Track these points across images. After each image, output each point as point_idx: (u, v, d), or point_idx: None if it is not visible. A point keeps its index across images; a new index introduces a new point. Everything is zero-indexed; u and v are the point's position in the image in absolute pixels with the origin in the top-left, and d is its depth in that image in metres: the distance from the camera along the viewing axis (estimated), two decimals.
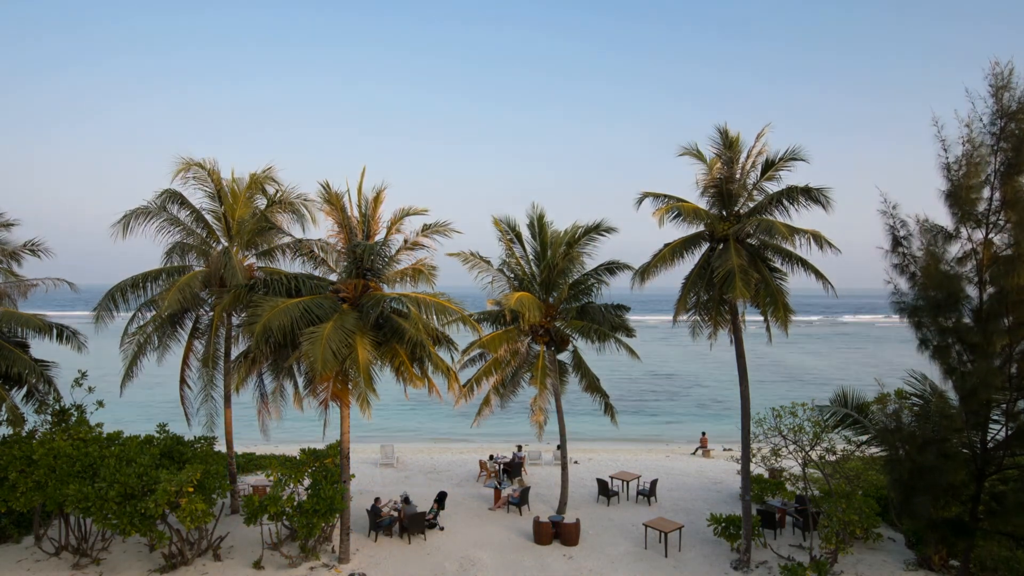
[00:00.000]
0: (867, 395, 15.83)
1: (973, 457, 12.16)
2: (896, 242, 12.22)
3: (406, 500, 20.02)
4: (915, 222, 12.13)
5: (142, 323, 20.35)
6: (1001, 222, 11.35)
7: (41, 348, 19.79)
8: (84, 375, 18.73)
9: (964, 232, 11.70)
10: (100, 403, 19.06)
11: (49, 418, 18.55)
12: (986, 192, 11.35)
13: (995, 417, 12.10)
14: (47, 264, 20.28)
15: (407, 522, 18.80)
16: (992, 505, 12.39)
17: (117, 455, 16.68)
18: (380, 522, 19.16)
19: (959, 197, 11.37)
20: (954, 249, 11.82)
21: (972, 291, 11.65)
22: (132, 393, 20.66)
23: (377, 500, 19.77)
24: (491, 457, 27.33)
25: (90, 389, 18.68)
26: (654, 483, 23.52)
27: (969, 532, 12.42)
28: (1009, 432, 11.83)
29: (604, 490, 23.21)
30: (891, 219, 12.27)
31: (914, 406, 13.36)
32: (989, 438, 12.13)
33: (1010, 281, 10.81)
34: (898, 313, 12.29)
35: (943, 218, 11.91)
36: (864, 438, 14.82)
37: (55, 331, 19.46)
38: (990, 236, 11.47)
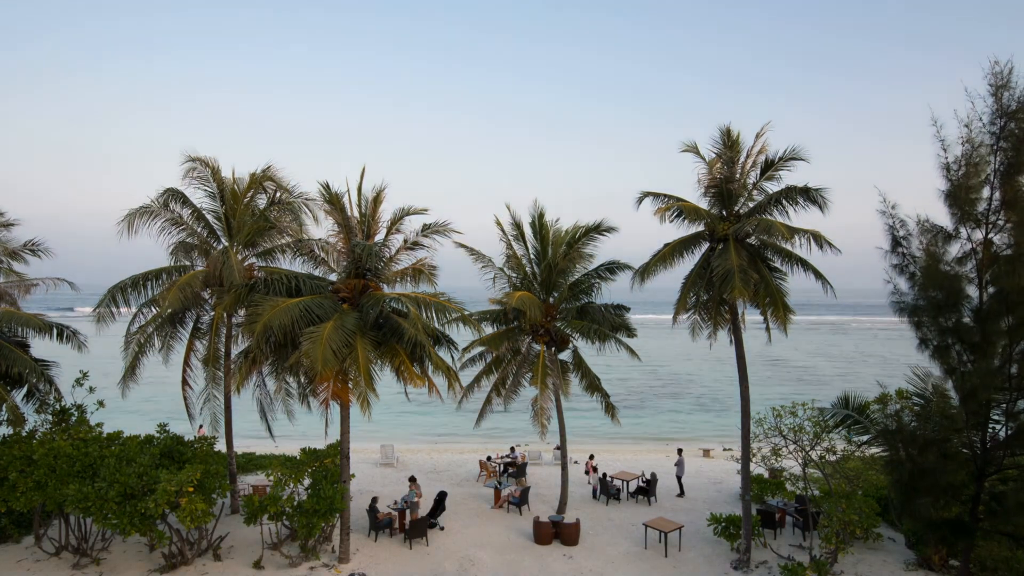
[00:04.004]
0: (867, 396, 15.82)
1: (973, 457, 12.15)
2: (896, 242, 12.20)
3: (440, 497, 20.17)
4: (915, 222, 12.12)
5: (143, 323, 20.37)
6: (1001, 222, 11.33)
7: (41, 348, 19.80)
8: (85, 375, 18.74)
9: (964, 232, 11.69)
10: (101, 403, 19.07)
11: (49, 418, 18.57)
12: (986, 192, 11.33)
13: (995, 417, 12.09)
14: (47, 263, 20.36)
15: (409, 528, 18.81)
16: (992, 505, 12.38)
17: (117, 455, 16.68)
18: (380, 522, 19.17)
19: (959, 197, 11.35)
20: (954, 249, 11.82)
21: (972, 291, 11.63)
22: (133, 392, 20.65)
23: (375, 500, 19.75)
24: (489, 458, 27.36)
25: (91, 389, 18.69)
26: (653, 476, 23.53)
27: (969, 532, 12.41)
28: (1009, 432, 11.82)
29: (605, 489, 23.22)
30: (890, 219, 12.25)
31: (915, 406, 13.36)
32: (989, 438, 12.12)
33: (1010, 281, 10.79)
34: (898, 313, 12.28)
35: (943, 218, 11.91)
36: (865, 438, 14.82)
37: (55, 331, 19.48)
38: (990, 236, 11.45)
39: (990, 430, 12.27)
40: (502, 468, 26.12)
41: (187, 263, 20.78)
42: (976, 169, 11.19)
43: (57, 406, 18.77)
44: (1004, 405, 11.75)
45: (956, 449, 12.05)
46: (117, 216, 19.69)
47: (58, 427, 18.25)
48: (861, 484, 19.15)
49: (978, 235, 11.58)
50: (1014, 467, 12.34)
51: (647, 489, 23.26)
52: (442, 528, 20.06)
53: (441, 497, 20.75)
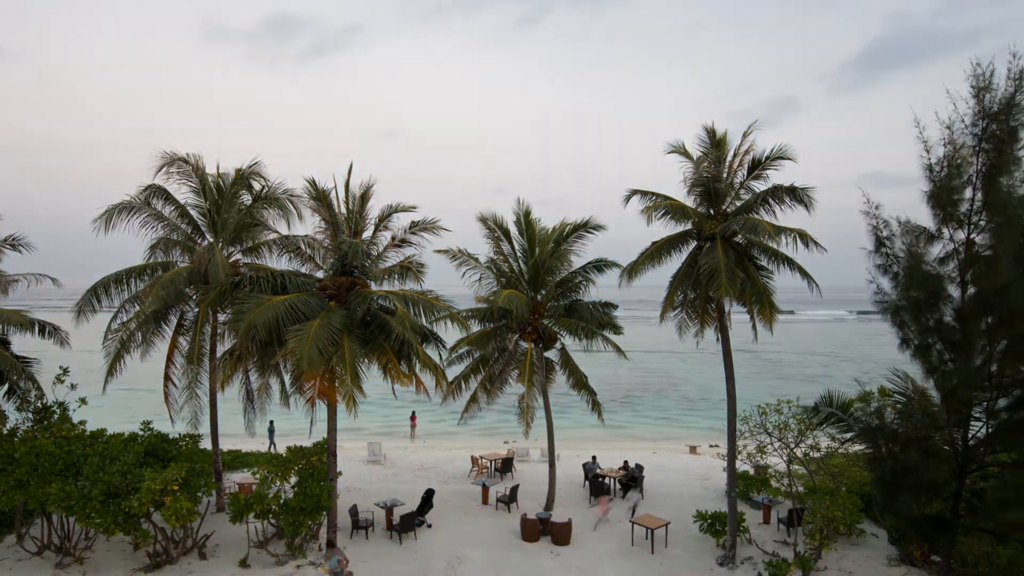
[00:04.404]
0: (851, 393, 15.94)
1: (955, 455, 12.29)
2: (879, 242, 12.29)
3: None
4: (897, 223, 12.21)
5: (125, 319, 20.13)
6: (983, 223, 11.44)
7: (23, 344, 19.54)
8: (66, 372, 18.52)
9: (946, 233, 11.79)
10: (83, 400, 18.87)
11: (31, 415, 18.35)
12: (968, 193, 11.43)
13: (976, 415, 12.22)
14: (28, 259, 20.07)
15: (400, 524, 18.83)
16: (973, 502, 12.54)
17: (100, 453, 16.52)
18: (358, 523, 19.10)
19: (941, 198, 11.45)
20: (936, 249, 11.92)
21: (954, 291, 11.75)
22: (116, 389, 20.46)
23: (355, 508, 19.66)
24: (481, 457, 27.35)
25: (72, 386, 18.48)
26: (637, 467, 23.61)
27: (950, 528, 12.55)
28: (990, 430, 11.96)
29: (594, 486, 23.32)
30: (874, 219, 12.34)
31: (897, 403, 13.49)
32: (970, 436, 12.26)
33: (988, 282, 10.91)
34: (881, 312, 12.37)
35: (926, 218, 12.01)
36: (848, 436, 14.96)
37: (37, 327, 19.25)
38: (972, 236, 11.56)
39: (971, 428, 12.40)
40: (493, 466, 26.15)
41: (168, 260, 20.51)
42: (958, 170, 11.28)
43: (39, 404, 18.55)
44: (985, 403, 11.88)
45: (937, 447, 12.18)
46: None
47: (40, 425, 18.04)
48: (845, 480, 19.35)
49: (960, 235, 11.68)
50: (994, 464, 12.51)
51: (631, 486, 23.36)
52: (429, 525, 20.05)
53: (429, 495, 20.73)
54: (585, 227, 21.05)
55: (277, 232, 20.54)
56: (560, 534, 18.90)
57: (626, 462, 25.44)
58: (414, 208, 18.65)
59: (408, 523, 18.81)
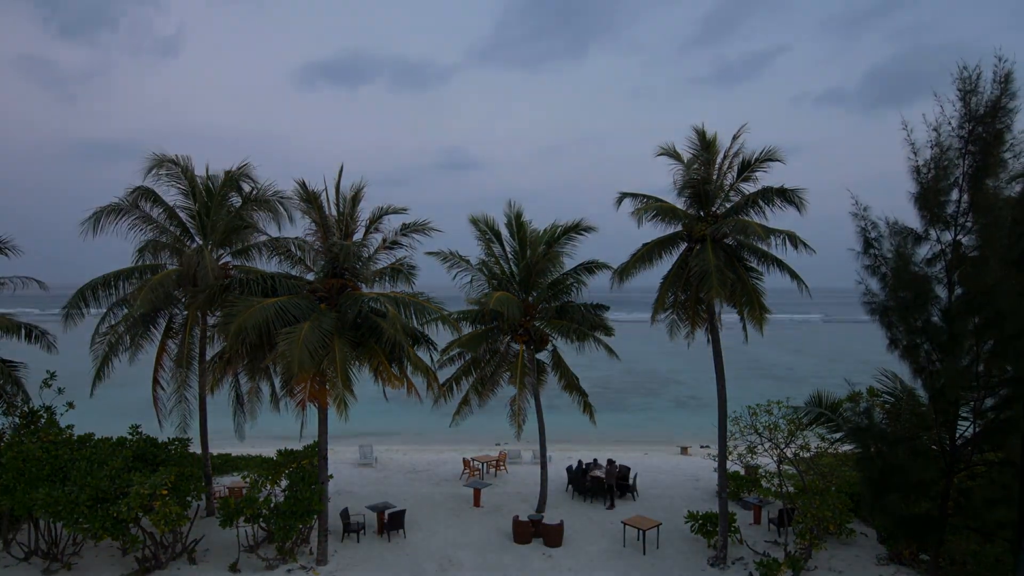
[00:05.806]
0: (840, 394, 16.06)
1: (942, 454, 12.40)
2: (867, 244, 12.38)
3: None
4: (885, 224, 12.31)
5: (114, 323, 19.92)
6: (969, 224, 11.55)
7: (8, 348, 19.32)
8: (53, 376, 18.32)
9: (933, 234, 11.89)
10: (70, 404, 18.68)
11: (17, 420, 18.15)
12: (954, 195, 11.54)
13: (963, 415, 12.34)
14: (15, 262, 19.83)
15: (388, 522, 18.75)
16: (960, 501, 12.67)
17: (88, 458, 16.37)
18: (349, 526, 19.00)
19: (928, 200, 11.55)
20: (924, 251, 12.01)
21: (941, 291, 11.85)
22: (104, 393, 20.24)
23: (346, 511, 19.54)
24: (472, 459, 27.30)
25: (60, 390, 18.29)
26: (629, 476, 23.66)
27: (938, 527, 12.66)
28: (977, 429, 12.08)
29: (580, 487, 23.32)
30: (862, 221, 12.43)
31: (885, 404, 13.60)
32: (958, 435, 12.37)
33: (975, 283, 11.02)
34: (869, 313, 12.47)
35: (913, 220, 12.12)
36: (837, 436, 15.08)
37: (23, 331, 19.05)
38: (958, 238, 11.67)
39: (958, 428, 12.52)
40: (484, 468, 26.11)
41: (157, 262, 20.30)
42: (945, 172, 11.38)
43: (25, 408, 18.35)
44: (972, 403, 12.00)
45: (925, 446, 12.28)
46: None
47: (26, 429, 17.86)
48: (834, 480, 19.50)
49: (947, 237, 11.79)
50: (981, 463, 12.64)
51: (627, 486, 23.40)
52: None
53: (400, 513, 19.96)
54: (576, 229, 21.09)
55: (267, 234, 20.43)
56: (552, 536, 18.90)
57: (610, 460, 25.13)
58: (405, 210, 18.65)
59: (398, 520, 18.69)
